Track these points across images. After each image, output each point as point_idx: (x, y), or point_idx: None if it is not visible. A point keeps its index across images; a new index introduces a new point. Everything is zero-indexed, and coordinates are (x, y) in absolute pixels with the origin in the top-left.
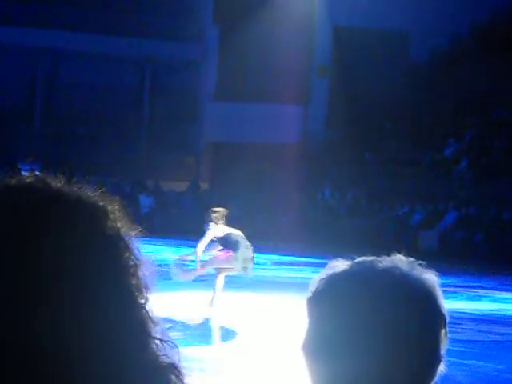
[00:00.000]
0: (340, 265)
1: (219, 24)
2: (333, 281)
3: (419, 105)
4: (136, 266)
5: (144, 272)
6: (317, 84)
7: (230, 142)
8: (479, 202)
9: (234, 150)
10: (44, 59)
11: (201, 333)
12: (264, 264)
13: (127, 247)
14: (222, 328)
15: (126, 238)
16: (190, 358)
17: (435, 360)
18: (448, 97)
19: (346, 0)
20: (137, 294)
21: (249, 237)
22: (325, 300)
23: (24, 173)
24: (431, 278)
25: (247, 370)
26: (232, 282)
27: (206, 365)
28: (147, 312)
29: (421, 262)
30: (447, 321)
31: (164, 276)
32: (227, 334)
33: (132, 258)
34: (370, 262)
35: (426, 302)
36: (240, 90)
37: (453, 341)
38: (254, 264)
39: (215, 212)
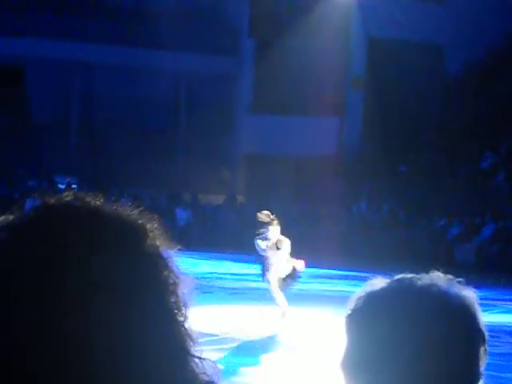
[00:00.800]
0: (378, 282)
1: (254, 36)
2: (371, 298)
3: (455, 117)
4: (175, 283)
5: (183, 290)
6: (352, 96)
7: (266, 155)
8: None
9: (269, 163)
10: (79, 73)
11: (240, 347)
12: (301, 277)
13: (166, 265)
14: (259, 342)
15: (166, 256)
16: (232, 372)
17: (475, 377)
18: (483, 108)
19: (380, 12)
20: (176, 311)
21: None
22: (363, 318)
23: (61, 186)
24: (470, 294)
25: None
26: (266, 295)
27: (246, 380)
28: (186, 330)
29: (459, 279)
30: (486, 338)
31: (202, 289)
32: (265, 348)
33: (171, 275)
34: (409, 279)
35: (465, 319)
36: (275, 102)
37: (490, 354)
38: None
39: (268, 215)
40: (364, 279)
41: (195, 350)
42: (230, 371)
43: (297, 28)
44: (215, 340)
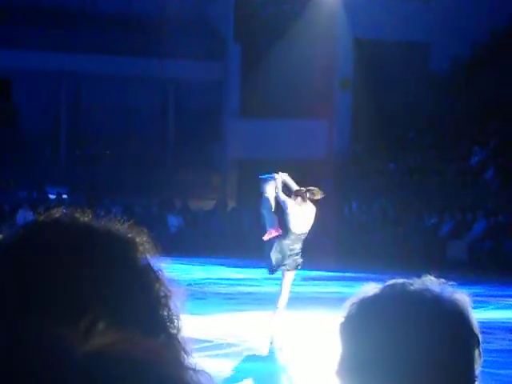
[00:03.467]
0: (371, 288)
1: (241, 42)
2: (364, 305)
3: (442, 114)
4: (167, 296)
5: (175, 302)
6: (340, 97)
7: (256, 159)
8: (507, 210)
9: (259, 167)
10: (67, 83)
11: (235, 353)
12: (294, 280)
13: (158, 278)
14: (254, 348)
15: (157, 269)
16: (227, 379)
17: (469, 381)
18: (471, 104)
19: (366, 13)
20: (168, 324)
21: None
22: (357, 324)
23: (52, 196)
24: (462, 298)
25: None
26: (262, 299)
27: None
28: (180, 342)
29: (452, 282)
30: (480, 341)
31: (194, 296)
32: (260, 354)
33: (163, 288)
34: (401, 284)
35: (458, 323)
36: (263, 106)
37: (485, 351)
38: (279, 280)
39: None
40: (358, 280)
41: (189, 363)
42: (226, 378)
43: (283, 32)
44: (210, 346)
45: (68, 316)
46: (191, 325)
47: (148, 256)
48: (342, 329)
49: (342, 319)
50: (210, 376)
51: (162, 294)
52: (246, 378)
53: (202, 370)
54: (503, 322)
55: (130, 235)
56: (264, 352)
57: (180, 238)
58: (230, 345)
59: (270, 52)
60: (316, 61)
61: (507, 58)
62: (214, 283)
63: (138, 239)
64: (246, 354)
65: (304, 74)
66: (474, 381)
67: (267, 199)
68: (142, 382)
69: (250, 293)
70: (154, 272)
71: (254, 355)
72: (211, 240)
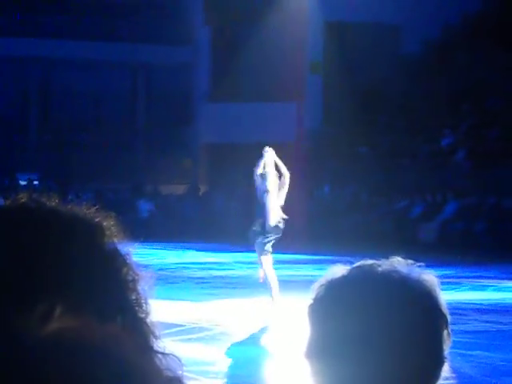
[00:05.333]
0: (339, 270)
1: (210, 25)
2: (332, 286)
3: (413, 96)
4: (135, 280)
5: (143, 285)
6: (310, 81)
7: (227, 143)
8: (478, 192)
9: (231, 151)
10: (37, 68)
11: (208, 337)
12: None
13: (125, 262)
14: (228, 331)
15: (124, 253)
16: (200, 363)
17: (439, 361)
18: (442, 87)
19: None
20: (137, 308)
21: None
22: (325, 306)
23: (23, 182)
24: (430, 278)
25: (251, 373)
26: (234, 283)
27: (215, 369)
28: (148, 326)
29: (420, 263)
30: (449, 321)
31: (166, 280)
32: (230, 336)
33: (131, 272)
34: (369, 266)
35: (426, 303)
36: (234, 90)
37: (458, 332)
38: (255, 264)
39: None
40: (330, 263)
41: (158, 346)
42: (199, 362)
43: (252, 15)
44: (182, 330)
45: (27, 302)
46: (164, 309)
47: (115, 240)
48: (311, 311)
49: (311, 301)
50: (180, 359)
51: (129, 278)
52: (218, 362)
53: (172, 354)
54: (475, 303)
55: (96, 220)
56: (237, 336)
57: (152, 223)
58: (202, 329)
59: (240, 35)
60: (286, 44)
61: (479, 41)
62: (187, 267)
63: (104, 224)
64: (218, 338)
65: (274, 57)
66: (443, 361)
67: (268, 174)
68: (98, 367)
69: (222, 277)
70: (122, 256)
71: (227, 339)
72: (183, 225)
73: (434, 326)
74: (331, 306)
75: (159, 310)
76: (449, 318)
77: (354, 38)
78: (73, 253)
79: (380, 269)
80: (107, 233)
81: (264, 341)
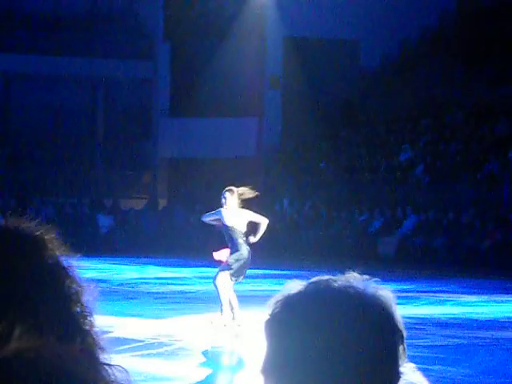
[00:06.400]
0: (295, 285)
1: (170, 40)
2: (289, 302)
3: (373, 112)
4: (78, 292)
5: (87, 298)
6: (270, 96)
7: (186, 158)
8: (437, 207)
9: (190, 166)
10: None
11: (167, 352)
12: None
13: (68, 274)
14: (187, 347)
15: (66, 266)
16: (159, 378)
17: (394, 377)
18: (401, 102)
19: (295, 11)
20: (82, 320)
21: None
22: (282, 322)
23: None
24: (386, 294)
25: None
26: (194, 298)
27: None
28: (93, 338)
29: (376, 278)
30: (405, 336)
31: (126, 296)
32: (189, 352)
33: (74, 284)
34: (325, 281)
35: (382, 319)
36: (194, 104)
37: (417, 346)
38: (211, 278)
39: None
40: (290, 277)
41: (104, 358)
42: (158, 377)
43: (213, 30)
44: (141, 346)
45: None
46: (123, 324)
47: (57, 253)
48: (267, 327)
49: (267, 317)
50: (127, 371)
51: (73, 290)
52: (178, 377)
53: (118, 365)
54: (434, 318)
55: (37, 233)
56: (196, 351)
57: (111, 238)
58: (162, 344)
59: (200, 51)
60: (246, 59)
61: (437, 56)
62: (146, 282)
63: (46, 237)
64: (178, 353)
65: (234, 73)
66: (399, 376)
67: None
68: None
69: (181, 291)
70: (64, 269)
71: (187, 354)
72: (142, 239)
73: (389, 341)
74: (287, 322)
75: (118, 325)
76: (405, 333)
77: (313, 53)
78: (15, 266)
79: (336, 284)
80: (49, 245)
81: (223, 356)
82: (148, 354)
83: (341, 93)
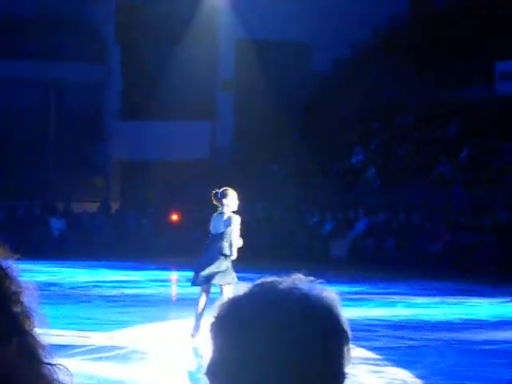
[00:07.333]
0: (241, 288)
1: (122, 43)
2: (234, 305)
3: (325, 114)
4: (18, 293)
5: (28, 298)
6: (222, 98)
7: (139, 161)
8: (388, 209)
9: (143, 168)
10: None
11: (119, 356)
12: (179, 281)
13: (7, 275)
14: (135, 349)
15: (5, 266)
16: (107, 381)
17: (340, 378)
18: (353, 105)
19: (248, 13)
20: (21, 320)
21: (162, 255)
22: (227, 325)
23: None
24: (331, 295)
25: None
26: (146, 301)
27: None
28: (34, 338)
29: (320, 280)
30: (350, 337)
31: (78, 299)
32: (141, 355)
33: (13, 286)
34: (270, 283)
35: (326, 320)
36: (146, 108)
37: (369, 348)
38: (167, 281)
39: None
40: (243, 280)
41: (46, 357)
42: (111, 380)
43: (165, 33)
44: (93, 349)
45: None
46: (75, 328)
47: None
48: (213, 330)
49: (213, 320)
50: (68, 370)
51: (12, 290)
52: (130, 380)
53: (60, 364)
54: (385, 320)
55: None
56: (148, 354)
57: (63, 242)
58: (114, 347)
59: (153, 54)
60: (199, 62)
61: (388, 59)
62: (98, 286)
63: None
64: (129, 356)
65: (187, 76)
66: (345, 377)
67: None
68: None
69: (134, 295)
70: (3, 269)
71: (139, 357)
72: (95, 243)
73: (334, 342)
74: (232, 324)
75: (70, 328)
76: (350, 334)
77: (266, 56)
78: None
79: (281, 286)
80: None
81: (175, 359)
82: (100, 358)
83: (293, 96)
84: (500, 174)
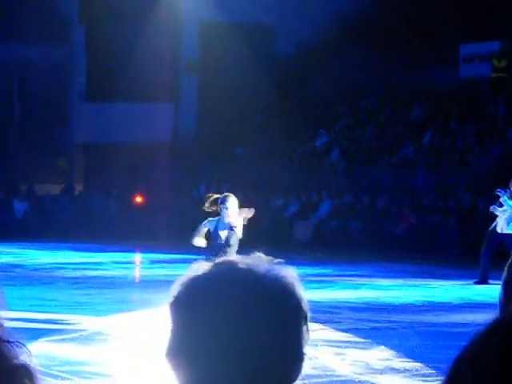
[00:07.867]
0: (200, 268)
1: (85, 24)
2: (192, 285)
3: (288, 97)
4: None
5: None
6: (186, 81)
7: (103, 143)
8: (352, 191)
9: (106, 151)
10: None
11: (82, 337)
12: (143, 263)
13: None
14: (98, 330)
15: None
16: (73, 363)
17: (297, 358)
18: (316, 88)
19: None
20: None
21: (126, 237)
22: (185, 305)
23: None
24: (290, 274)
25: (124, 372)
26: (110, 283)
27: (88, 369)
28: None
29: (280, 259)
30: (308, 317)
31: (41, 281)
32: (104, 336)
33: None
34: (229, 262)
35: (283, 300)
36: (109, 89)
37: (334, 330)
38: (131, 263)
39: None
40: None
41: (3, 334)
42: (73, 362)
43: (128, 14)
44: (56, 330)
45: None
46: (37, 309)
47: None
48: (171, 309)
49: (171, 299)
50: (26, 346)
51: None
52: (93, 362)
53: (17, 341)
54: (349, 302)
55: None
56: (111, 336)
57: (26, 223)
58: (76, 330)
59: (116, 35)
60: (161, 43)
61: (352, 42)
62: (61, 268)
63: None
64: (92, 338)
65: (149, 57)
66: (303, 358)
67: None
68: None
69: (97, 276)
70: None
71: (102, 339)
72: (58, 225)
73: (292, 322)
74: (190, 304)
75: (33, 310)
76: (309, 314)
77: (229, 38)
78: None
79: (239, 266)
80: None
81: (137, 341)
82: (63, 339)
83: (256, 79)
84: (463, 156)
